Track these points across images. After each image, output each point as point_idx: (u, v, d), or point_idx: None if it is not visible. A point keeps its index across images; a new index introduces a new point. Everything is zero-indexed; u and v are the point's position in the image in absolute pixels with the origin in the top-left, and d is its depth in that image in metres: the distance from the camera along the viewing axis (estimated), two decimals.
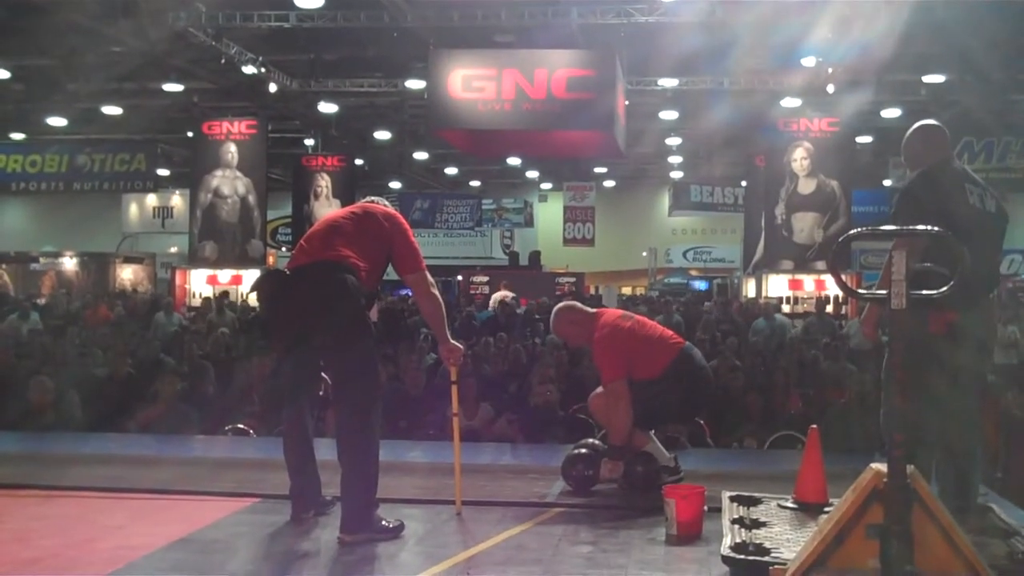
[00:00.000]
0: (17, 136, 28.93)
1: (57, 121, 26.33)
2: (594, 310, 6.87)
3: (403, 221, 5.74)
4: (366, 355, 5.40)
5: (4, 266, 30.65)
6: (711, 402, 8.08)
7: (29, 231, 37.75)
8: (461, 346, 5.89)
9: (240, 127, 23.34)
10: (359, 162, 29.83)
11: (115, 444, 8.09)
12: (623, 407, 6.30)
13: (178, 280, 23.81)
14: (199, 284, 23.31)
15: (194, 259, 23.63)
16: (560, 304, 6.99)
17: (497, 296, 22.85)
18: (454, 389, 5.95)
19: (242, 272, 22.90)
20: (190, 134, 24.81)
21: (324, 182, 26.24)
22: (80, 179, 27.56)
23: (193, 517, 5.45)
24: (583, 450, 6.45)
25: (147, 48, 19.02)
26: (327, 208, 26.50)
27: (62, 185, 27.86)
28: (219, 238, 23.14)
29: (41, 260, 31.06)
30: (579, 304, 7.00)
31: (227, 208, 23.09)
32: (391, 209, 5.81)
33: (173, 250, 33.89)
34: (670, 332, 6.87)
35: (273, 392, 8.34)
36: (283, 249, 34.57)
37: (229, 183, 23.06)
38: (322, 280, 5.30)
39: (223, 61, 19.48)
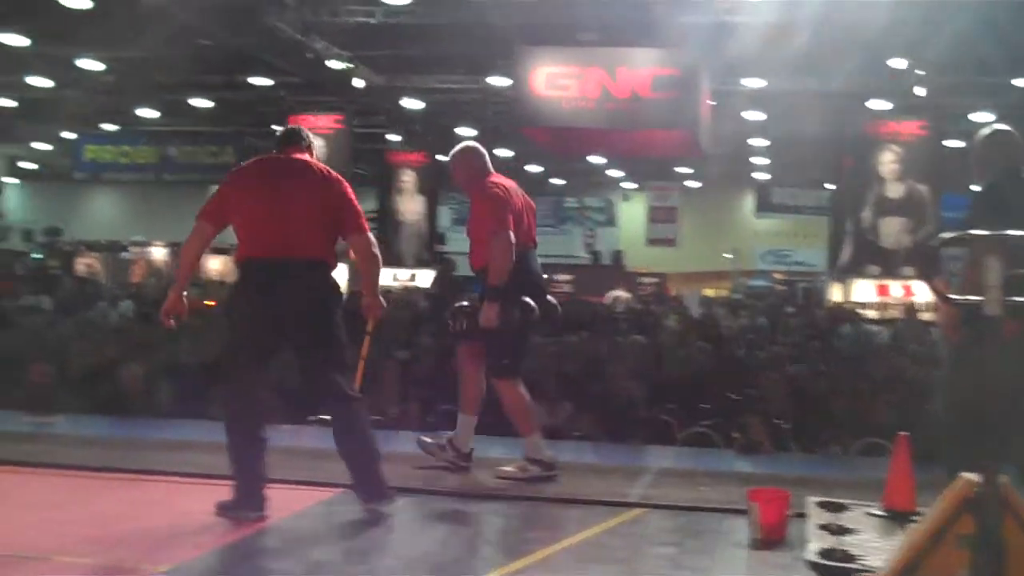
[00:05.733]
0: (109, 127, 29.52)
1: (148, 113, 26.82)
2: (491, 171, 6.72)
3: (341, 177, 5.73)
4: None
5: (95, 254, 31.27)
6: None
7: (119, 220, 38.41)
8: (384, 304, 5.89)
9: (326, 121, 23.58)
10: (443, 158, 29.96)
11: (202, 431, 8.18)
12: (509, 252, 6.20)
13: None
14: None
15: None
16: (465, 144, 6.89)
17: (612, 295, 22.93)
18: (367, 340, 6.07)
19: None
20: (277, 128, 25.08)
21: (408, 177, 26.45)
22: (169, 170, 28.07)
23: (278, 505, 5.50)
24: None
25: (236, 42, 19.31)
26: (410, 203, 26.73)
27: (152, 176, 28.37)
28: None
29: (131, 249, 31.65)
30: (486, 157, 6.81)
31: None
32: (324, 165, 5.76)
33: None
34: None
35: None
36: None
37: None
38: (305, 287, 5.42)
39: (310, 56, 19.68)
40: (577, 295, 25.33)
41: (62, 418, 8.18)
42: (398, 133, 28.16)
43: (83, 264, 30.73)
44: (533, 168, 35.85)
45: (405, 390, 9.67)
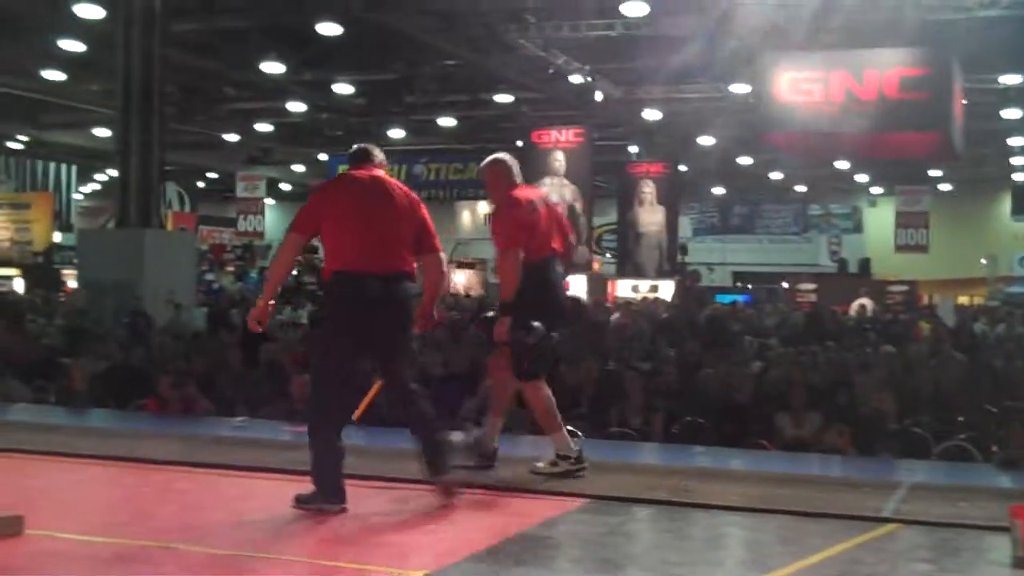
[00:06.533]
0: None
1: (396, 133, 27.78)
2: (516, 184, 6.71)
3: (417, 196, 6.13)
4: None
5: None
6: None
7: None
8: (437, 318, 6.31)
9: (567, 135, 23.90)
10: (683, 168, 29.83)
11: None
12: (516, 270, 6.33)
13: None
14: None
15: None
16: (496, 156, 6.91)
17: (857, 303, 22.44)
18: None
19: (568, 278, 23.37)
20: (519, 143, 25.57)
21: (648, 189, 26.46)
22: (417, 188, 28.62)
23: (527, 514, 5.60)
24: None
25: (479, 60, 19.79)
26: (651, 214, 26.72)
27: None
28: None
29: None
30: (513, 170, 6.76)
31: None
32: (402, 184, 6.14)
33: None
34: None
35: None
36: (607, 255, 35.01)
37: (557, 190, 23.65)
38: (397, 299, 5.72)
39: (551, 71, 19.97)
40: (822, 304, 24.69)
41: None
42: (638, 144, 28.19)
43: None
44: (776, 175, 35.23)
45: (648, 401, 9.65)
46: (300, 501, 5.60)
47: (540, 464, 6.56)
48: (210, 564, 4.72)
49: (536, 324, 6.36)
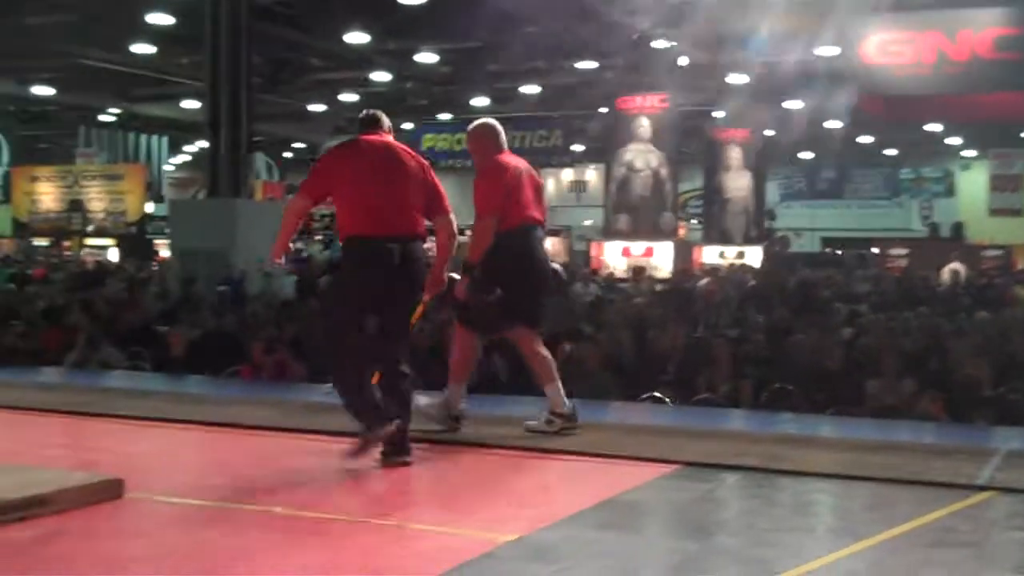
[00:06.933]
0: (444, 116, 30.83)
1: (480, 101, 27.80)
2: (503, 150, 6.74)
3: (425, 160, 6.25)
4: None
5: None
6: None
7: (457, 206, 39.98)
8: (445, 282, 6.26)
9: (652, 101, 23.71)
10: (769, 133, 29.44)
11: (539, 408, 8.40)
12: (488, 236, 6.51)
13: (593, 252, 24.62)
14: (613, 256, 23.94)
15: (609, 232, 24.29)
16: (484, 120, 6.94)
17: (948, 268, 22.15)
18: (421, 309, 6.23)
19: (654, 244, 23.32)
20: (604, 109, 25.45)
21: (735, 154, 26.19)
22: None
23: (616, 480, 5.61)
24: None
25: (562, 28, 19.69)
26: (737, 180, 26.47)
27: None
28: (633, 211, 23.66)
29: (468, 233, 32.92)
30: (500, 136, 6.79)
31: (640, 181, 23.58)
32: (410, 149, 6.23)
33: (588, 223, 34.89)
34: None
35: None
36: (693, 221, 34.75)
37: (642, 157, 23.53)
38: (410, 262, 5.83)
39: (635, 37, 19.81)
40: (913, 270, 24.31)
41: None
42: (723, 109, 27.87)
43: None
44: (865, 139, 34.61)
45: (736, 368, 9.60)
46: (385, 455, 5.78)
47: (531, 423, 6.68)
48: (312, 529, 4.76)
49: (499, 292, 6.46)
